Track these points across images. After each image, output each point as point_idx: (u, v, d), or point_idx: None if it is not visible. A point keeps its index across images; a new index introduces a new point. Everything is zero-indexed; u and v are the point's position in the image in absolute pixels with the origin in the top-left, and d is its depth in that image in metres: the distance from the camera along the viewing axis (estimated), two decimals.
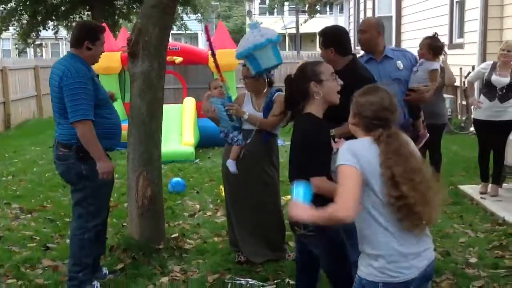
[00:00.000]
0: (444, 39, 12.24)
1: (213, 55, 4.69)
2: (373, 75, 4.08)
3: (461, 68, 11.05)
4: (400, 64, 4.63)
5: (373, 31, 4.60)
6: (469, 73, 9.31)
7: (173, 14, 5.02)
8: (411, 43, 14.52)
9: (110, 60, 9.52)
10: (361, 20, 15.98)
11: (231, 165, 4.67)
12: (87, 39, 4.04)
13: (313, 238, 3.07)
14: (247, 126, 4.59)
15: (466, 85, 7.62)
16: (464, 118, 11.45)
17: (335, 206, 2.38)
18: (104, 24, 4.53)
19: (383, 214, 2.45)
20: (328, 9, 31.75)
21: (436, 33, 5.22)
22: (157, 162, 5.00)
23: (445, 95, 8.63)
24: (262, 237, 4.72)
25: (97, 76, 4.20)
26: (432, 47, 5.97)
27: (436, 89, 6.50)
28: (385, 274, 2.43)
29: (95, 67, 4.33)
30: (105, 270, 4.48)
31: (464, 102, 11.31)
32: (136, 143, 4.83)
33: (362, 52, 4.72)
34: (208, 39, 4.75)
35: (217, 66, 4.57)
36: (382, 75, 4.47)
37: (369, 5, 15.65)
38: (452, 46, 11.96)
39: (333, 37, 4.04)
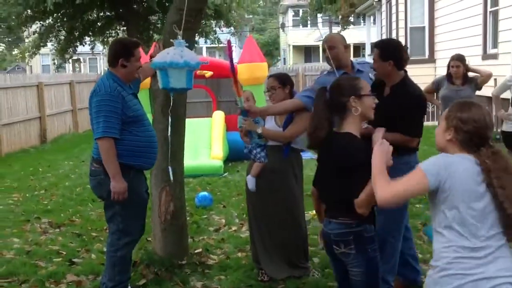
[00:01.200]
0: (478, 50, 12.04)
1: (232, 70, 4.62)
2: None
3: (495, 79, 10.79)
4: (371, 76, 4.59)
5: (340, 46, 4.55)
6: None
7: (195, 30, 5.05)
8: (444, 54, 14.30)
9: None
10: (393, 32, 15.90)
11: (250, 181, 4.66)
12: (121, 57, 4.07)
13: (354, 256, 3.00)
14: (272, 143, 4.57)
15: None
16: (499, 129, 11.19)
17: (380, 188, 2.48)
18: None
19: (462, 231, 2.39)
20: (361, 20, 31.56)
21: (404, 45, 5.21)
22: (180, 178, 5.01)
23: None
24: (283, 253, 4.67)
25: (133, 93, 4.19)
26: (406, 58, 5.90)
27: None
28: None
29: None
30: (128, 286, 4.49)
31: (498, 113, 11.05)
32: (159, 158, 4.82)
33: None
34: (230, 56, 4.70)
35: (235, 81, 4.48)
36: None
37: (401, 16, 15.48)
38: (486, 56, 11.73)
39: (394, 50, 4.06)
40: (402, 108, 3.87)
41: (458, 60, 6.61)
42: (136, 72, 4.22)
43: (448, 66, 6.78)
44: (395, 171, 3.97)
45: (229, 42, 4.83)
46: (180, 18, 4.77)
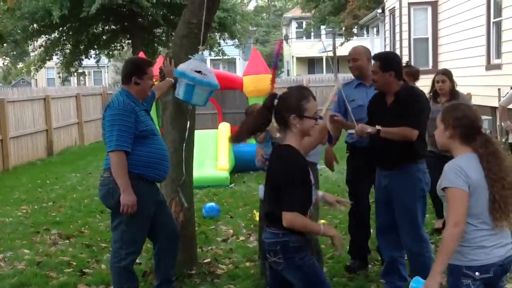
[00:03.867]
0: (482, 60, 12.10)
1: (275, 69, 4.88)
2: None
3: (499, 89, 10.86)
4: None
5: (364, 58, 4.96)
6: (507, 93, 9.13)
7: (204, 43, 5.14)
8: (448, 65, 14.34)
9: None
10: (397, 43, 16.00)
11: (261, 190, 4.70)
12: (134, 75, 4.18)
13: (284, 265, 3.09)
14: None
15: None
16: (503, 139, 11.22)
17: (449, 228, 2.83)
18: (141, 53, 4.70)
19: (477, 215, 2.85)
20: (365, 31, 31.72)
21: (408, 61, 5.48)
22: (189, 188, 5.07)
23: (483, 117, 8.46)
24: None
25: (146, 110, 4.27)
26: (411, 73, 6.06)
27: None
28: (465, 257, 2.87)
29: None
30: None
31: (503, 123, 11.08)
32: (169, 169, 4.89)
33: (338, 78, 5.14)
34: (277, 55, 4.95)
35: (273, 81, 4.72)
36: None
37: (405, 27, 15.56)
38: (489, 67, 11.79)
39: (394, 62, 4.32)
40: (407, 106, 4.13)
41: (444, 74, 5.98)
42: (149, 90, 4.31)
43: (433, 83, 6.09)
44: (409, 177, 4.13)
45: (280, 42, 5.09)
46: (189, 31, 4.88)
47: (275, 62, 4.78)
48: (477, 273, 2.84)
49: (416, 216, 4.24)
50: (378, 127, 4.12)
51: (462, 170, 2.83)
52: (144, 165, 4.12)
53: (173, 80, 4.79)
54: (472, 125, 2.93)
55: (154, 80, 4.66)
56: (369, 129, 4.14)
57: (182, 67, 4.57)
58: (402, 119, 4.10)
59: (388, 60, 4.30)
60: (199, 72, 4.54)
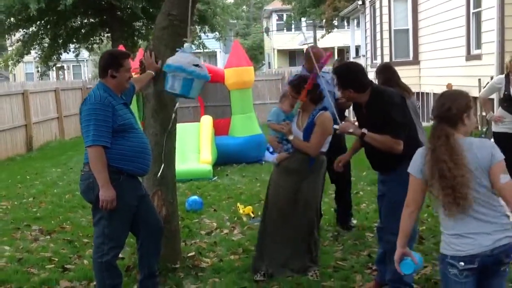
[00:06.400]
0: (462, 51, 12.18)
1: (315, 75, 4.74)
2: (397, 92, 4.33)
3: (479, 79, 10.95)
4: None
5: None
6: (488, 83, 9.19)
7: (184, 35, 5.07)
8: (429, 55, 14.46)
9: None
10: (377, 34, 16.02)
11: (271, 157, 4.80)
12: (110, 68, 4.11)
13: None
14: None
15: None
16: (484, 129, 11.30)
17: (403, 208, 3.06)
18: (121, 46, 4.61)
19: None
20: (345, 23, 31.75)
21: (341, 58, 5.68)
22: (172, 182, 5.02)
23: None
24: (287, 252, 4.74)
25: (125, 103, 4.20)
26: None
27: None
28: (450, 247, 2.88)
29: None
30: None
31: (484, 113, 11.15)
32: (151, 163, 4.84)
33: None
34: (324, 63, 4.98)
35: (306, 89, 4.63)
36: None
37: (385, 18, 15.60)
38: (469, 57, 11.87)
39: (351, 78, 4.09)
40: (379, 121, 3.97)
41: None
42: (126, 82, 4.23)
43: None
44: (405, 179, 3.81)
45: (330, 54, 5.30)
46: (169, 23, 4.81)
47: (315, 68, 4.72)
48: (461, 263, 2.80)
49: None
50: (364, 130, 3.99)
51: (418, 157, 2.98)
52: (124, 159, 4.05)
53: (153, 73, 4.73)
54: (435, 115, 2.98)
55: (133, 73, 4.59)
56: (351, 129, 4.05)
57: (178, 60, 4.47)
58: (381, 127, 3.95)
59: (346, 77, 4.10)
60: (196, 65, 4.49)
